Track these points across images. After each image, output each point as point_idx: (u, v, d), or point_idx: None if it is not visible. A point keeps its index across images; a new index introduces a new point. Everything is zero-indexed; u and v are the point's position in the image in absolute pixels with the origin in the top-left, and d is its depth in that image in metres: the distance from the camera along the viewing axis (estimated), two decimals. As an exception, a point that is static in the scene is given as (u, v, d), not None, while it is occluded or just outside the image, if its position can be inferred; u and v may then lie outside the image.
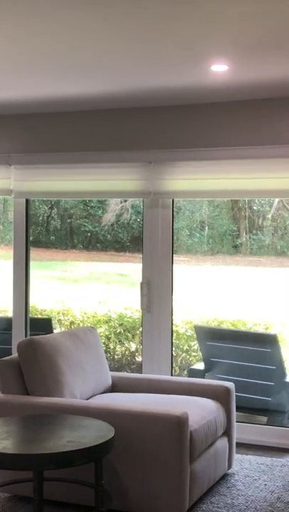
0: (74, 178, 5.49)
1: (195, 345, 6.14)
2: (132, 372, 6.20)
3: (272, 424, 5.36)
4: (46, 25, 3.36)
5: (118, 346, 6.53)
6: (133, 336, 6.47)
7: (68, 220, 7.03)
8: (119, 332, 6.51)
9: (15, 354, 4.19)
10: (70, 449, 3.24)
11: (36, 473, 3.34)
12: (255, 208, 6.33)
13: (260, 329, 6.01)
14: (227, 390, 4.39)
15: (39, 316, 6.64)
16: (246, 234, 6.35)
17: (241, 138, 4.97)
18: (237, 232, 6.39)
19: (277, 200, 5.98)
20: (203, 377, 5.64)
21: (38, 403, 3.92)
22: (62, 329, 6.63)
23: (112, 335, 6.52)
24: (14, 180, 5.66)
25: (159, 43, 3.64)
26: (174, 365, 5.43)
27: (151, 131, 5.24)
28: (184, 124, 5.16)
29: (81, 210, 6.92)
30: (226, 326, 6.07)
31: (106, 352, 6.08)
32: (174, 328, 5.59)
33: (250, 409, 5.47)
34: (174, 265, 5.34)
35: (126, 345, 6.52)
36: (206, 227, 6.52)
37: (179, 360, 6.17)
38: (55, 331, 6.37)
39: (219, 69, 4.10)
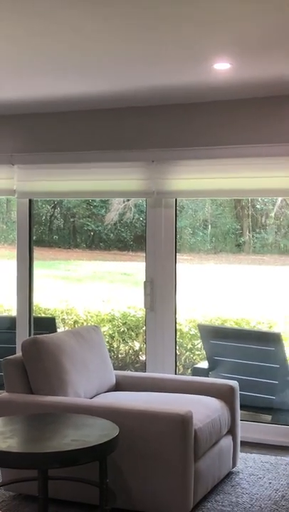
0: (77, 178, 5.48)
1: (199, 343, 6.14)
2: (136, 371, 6.20)
3: (277, 422, 5.36)
4: (46, 25, 3.36)
5: (122, 345, 6.54)
6: (137, 334, 6.48)
7: (71, 220, 7.03)
8: (123, 331, 6.52)
9: (19, 353, 4.20)
10: (75, 447, 3.24)
11: (41, 472, 3.34)
12: (258, 206, 6.33)
13: (263, 328, 6.00)
14: (231, 389, 4.39)
15: (43, 315, 6.65)
16: (249, 232, 6.34)
17: (243, 136, 4.97)
18: (240, 230, 6.38)
19: (280, 198, 5.98)
20: (207, 376, 5.64)
21: (42, 402, 3.93)
22: (66, 328, 6.64)
23: (116, 334, 6.52)
24: (17, 181, 5.66)
25: (159, 43, 3.65)
26: (177, 363, 5.43)
27: (153, 130, 5.24)
28: (186, 122, 5.16)
29: (84, 210, 6.93)
30: (230, 324, 6.07)
31: (110, 351, 6.08)
32: (178, 326, 5.59)
33: (254, 408, 5.47)
34: (178, 264, 5.34)
35: (130, 344, 6.52)
36: (209, 226, 6.51)
37: (183, 358, 6.17)
38: (58, 330, 6.38)
39: (221, 67, 4.10)
